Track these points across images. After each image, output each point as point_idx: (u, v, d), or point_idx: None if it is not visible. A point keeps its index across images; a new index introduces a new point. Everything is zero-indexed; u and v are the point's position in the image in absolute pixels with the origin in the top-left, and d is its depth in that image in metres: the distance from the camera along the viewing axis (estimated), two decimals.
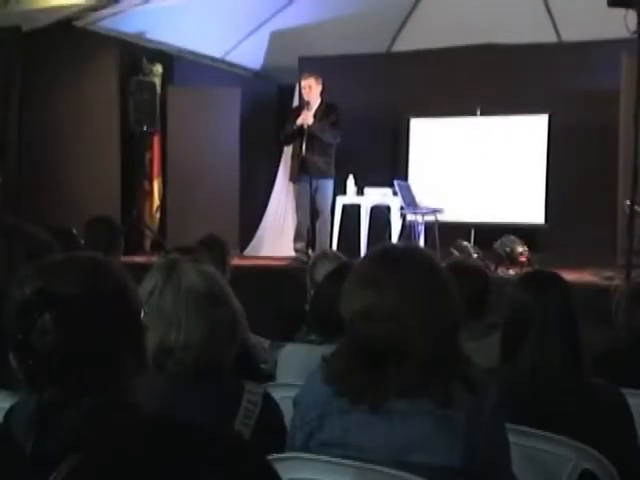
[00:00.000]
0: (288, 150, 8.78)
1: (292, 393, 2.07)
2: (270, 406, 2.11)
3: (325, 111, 7.84)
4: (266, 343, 4.24)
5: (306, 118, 7.72)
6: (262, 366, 3.52)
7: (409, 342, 1.81)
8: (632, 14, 6.11)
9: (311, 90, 7.86)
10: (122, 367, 1.47)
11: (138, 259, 7.61)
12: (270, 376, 3.15)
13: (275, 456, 1.82)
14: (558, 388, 2.41)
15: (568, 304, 2.53)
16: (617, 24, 6.11)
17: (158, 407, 1.63)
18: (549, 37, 9.13)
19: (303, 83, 7.96)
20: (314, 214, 7.89)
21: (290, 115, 8.11)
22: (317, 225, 7.91)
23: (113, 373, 1.46)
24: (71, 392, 1.41)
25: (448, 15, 9.08)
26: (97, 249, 4.04)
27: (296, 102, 9.39)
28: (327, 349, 2.01)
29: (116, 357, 1.47)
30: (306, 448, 1.90)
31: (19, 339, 1.41)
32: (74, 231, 4.56)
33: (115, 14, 8.28)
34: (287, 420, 2.08)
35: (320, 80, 7.90)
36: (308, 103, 7.84)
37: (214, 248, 4.35)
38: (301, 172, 7.81)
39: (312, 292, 3.79)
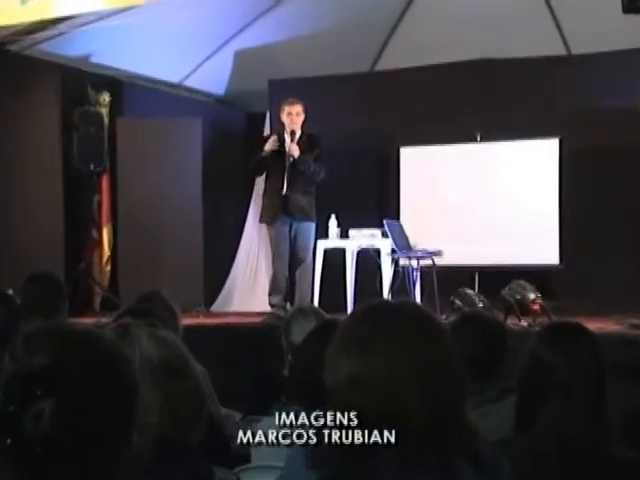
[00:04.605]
0: (259, 187, 8.74)
1: (270, 478, 2.04)
2: None
3: (307, 143, 7.76)
4: (238, 417, 4.20)
5: (292, 149, 7.64)
6: (233, 445, 3.48)
7: (403, 413, 1.78)
8: None
9: (298, 118, 7.79)
10: (97, 458, 1.43)
11: (86, 321, 7.52)
12: (243, 457, 3.10)
13: None
14: (582, 462, 2.38)
15: (596, 361, 2.51)
16: (634, 33, 6.19)
17: None
18: (557, 49, 9.23)
19: (289, 109, 7.80)
20: (294, 262, 7.83)
21: (260, 144, 7.95)
22: (297, 275, 7.85)
23: (86, 463, 1.41)
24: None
25: (439, 27, 9.16)
26: (37, 311, 4.01)
27: (267, 131, 9.39)
28: None
29: (98, 448, 1.43)
30: None
31: (10, 411, 1.34)
32: (10, 291, 4.52)
33: (55, 36, 8.31)
34: None
35: (304, 108, 7.85)
36: (293, 132, 7.72)
37: (159, 307, 4.16)
38: (280, 212, 7.70)
39: (289, 356, 3.77)
